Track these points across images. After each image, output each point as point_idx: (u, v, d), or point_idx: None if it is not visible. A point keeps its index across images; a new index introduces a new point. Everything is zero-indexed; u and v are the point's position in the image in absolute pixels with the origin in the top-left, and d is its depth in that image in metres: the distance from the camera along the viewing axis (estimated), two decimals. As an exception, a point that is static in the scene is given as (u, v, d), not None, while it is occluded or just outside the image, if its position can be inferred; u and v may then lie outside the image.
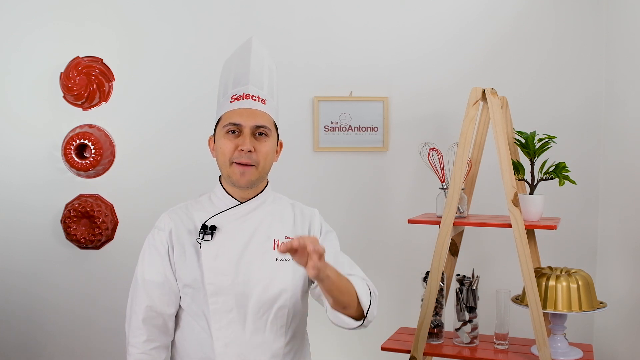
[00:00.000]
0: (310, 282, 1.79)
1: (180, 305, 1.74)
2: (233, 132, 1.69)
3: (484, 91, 2.30)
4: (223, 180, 1.78)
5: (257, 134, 1.69)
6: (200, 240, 1.70)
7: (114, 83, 2.96)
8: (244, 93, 1.71)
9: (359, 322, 1.61)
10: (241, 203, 1.75)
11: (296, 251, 1.42)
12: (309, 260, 1.40)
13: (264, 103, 1.72)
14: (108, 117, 2.96)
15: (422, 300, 2.36)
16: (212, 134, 1.77)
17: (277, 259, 1.71)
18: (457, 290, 2.38)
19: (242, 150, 1.67)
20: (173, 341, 1.77)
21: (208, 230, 1.70)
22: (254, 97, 1.71)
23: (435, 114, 2.89)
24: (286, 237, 1.74)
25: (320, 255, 1.41)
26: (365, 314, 1.61)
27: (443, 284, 2.38)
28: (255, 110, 1.70)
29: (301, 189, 2.87)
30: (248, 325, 1.66)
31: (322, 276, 1.45)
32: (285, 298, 1.70)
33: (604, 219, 2.81)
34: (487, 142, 2.52)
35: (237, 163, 1.68)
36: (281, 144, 1.81)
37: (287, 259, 1.71)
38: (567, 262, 2.72)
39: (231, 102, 1.71)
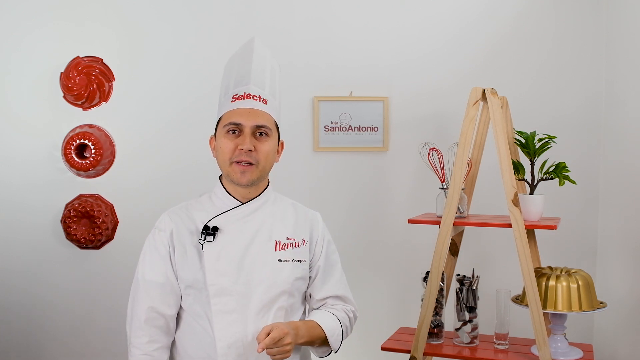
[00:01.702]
0: (307, 285, 1.81)
1: (181, 305, 1.74)
2: (233, 131, 1.69)
3: (484, 91, 2.30)
4: (224, 180, 1.78)
5: (257, 134, 1.70)
6: (202, 242, 1.70)
7: (114, 83, 2.96)
8: (245, 93, 1.71)
9: (324, 356, 1.83)
10: (242, 203, 1.75)
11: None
12: (278, 351, 1.60)
13: (265, 103, 1.72)
14: (108, 117, 2.96)
15: (422, 300, 2.36)
16: (213, 133, 1.77)
17: (278, 260, 1.72)
18: (457, 290, 2.38)
19: (242, 149, 1.67)
20: (173, 341, 1.77)
21: (210, 231, 1.70)
22: (255, 97, 1.71)
23: (435, 114, 2.89)
24: (287, 238, 1.75)
25: (288, 343, 1.61)
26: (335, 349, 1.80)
27: (443, 284, 2.38)
28: (256, 110, 1.70)
29: (301, 189, 2.87)
30: (250, 326, 1.66)
31: (298, 346, 1.68)
32: (284, 299, 1.70)
33: (604, 219, 2.81)
34: (487, 142, 2.52)
35: (237, 162, 1.68)
36: (282, 144, 1.81)
37: (289, 260, 1.72)
38: (567, 262, 2.72)
39: (232, 101, 1.71)
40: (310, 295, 1.83)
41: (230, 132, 1.69)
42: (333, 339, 1.75)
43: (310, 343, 1.73)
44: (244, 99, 1.71)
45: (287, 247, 1.74)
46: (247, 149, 1.66)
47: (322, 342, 1.75)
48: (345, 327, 1.80)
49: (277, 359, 1.60)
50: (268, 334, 1.57)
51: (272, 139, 1.73)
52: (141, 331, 1.70)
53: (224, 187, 1.77)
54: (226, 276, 1.67)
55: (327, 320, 1.75)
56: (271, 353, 1.59)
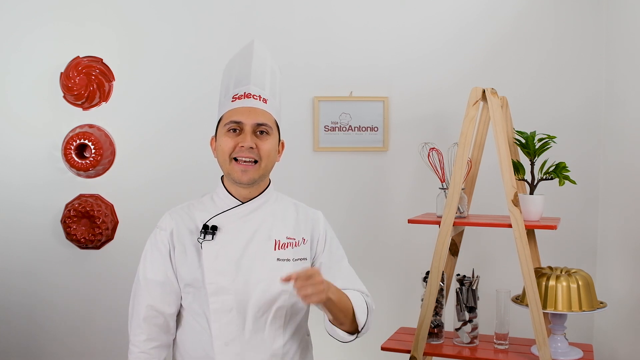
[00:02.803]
0: None
1: (181, 304, 1.75)
2: (234, 130, 1.70)
3: (484, 91, 2.30)
4: (225, 180, 1.78)
5: (258, 132, 1.70)
6: (201, 240, 1.70)
7: (114, 83, 2.96)
8: (245, 92, 1.72)
9: (353, 337, 1.74)
10: (242, 203, 1.75)
11: (296, 279, 1.51)
12: (313, 289, 1.52)
13: (265, 102, 1.73)
14: (108, 117, 2.97)
15: (422, 300, 2.36)
16: (214, 134, 1.78)
17: (277, 259, 1.72)
18: (457, 290, 2.38)
19: (242, 147, 1.67)
20: (174, 340, 1.78)
21: (209, 230, 1.70)
22: (255, 96, 1.72)
23: (435, 114, 2.89)
24: (287, 238, 1.75)
25: (321, 282, 1.53)
26: (360, 329, 1.72)
27: (443, 284, 2.38)
28: (257, 109, 1.71)
29: (301, 189, 2.87)
30: (248, 325, 1.67)
31: (325, 299, 1.56)
32: (285, 298, 1.70)
33: (604, 219, 2.81)
34: (487, 142, 2.52)
35: (236, 160, 1.68)
36: (283, 143, 1.82)
37: (288, 260, 1.72)
38: (567, 262, 2.72)
39: (232, 101, 1.72)
40: None
41: (231, 130, 1.70)
42: (359, 310, 1.70)
43: (339, 307, 1.64)
44: (244, 98, 1.71)
45: (287, 247, 1.74)
46: (248, 146, 1.67)
47: (347, 313, 1.68)
48: (369, 306, 1.76)
49: (311, 300, 1.53)
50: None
51: (273, 138, 1.73)
52: (139, 329, 1.72)
53: (225, 187, 1.78)
54: (224, 275, 1.67)
55: (350, 292, 1.74)
56: (305, 292, 1.51)
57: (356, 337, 1.74)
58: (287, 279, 1.50)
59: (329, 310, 1.63)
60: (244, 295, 1.67)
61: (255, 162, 1.69)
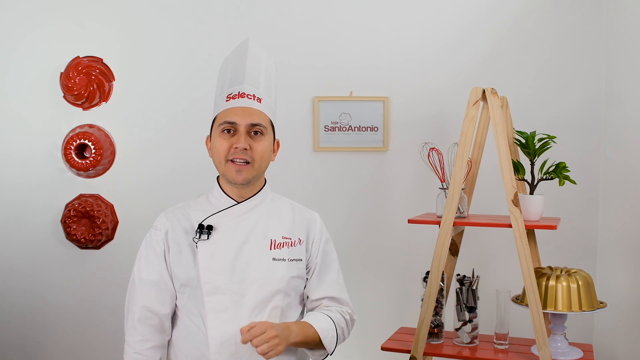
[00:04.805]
0: (305, 285, 1.81)
1: (176, 304, 1.75)
2: (228, 130, 1.70)
3: (484, 91, 2.30)
4: (220, 180, 1.79)
5: (252, 133, 1.70)
6: (196, 240, 1.70)
7: (114, 83, 2.96)
8: (239, 92, 1.72)
9: (323, 357, 1.77)
10: (238, 203, 1.75)
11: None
12: (268, 347, 1.55)
13: (260, 102, 1.73)
14: (108, 117, 2.97)
15: (422, 300, 2.36)
16: (209, 134, 1.78)
17: (273, 258, 1.72)
18: (457, 290, 2.38)
19: (237, 148, 1.67)
20: (170, 340, 1.77)
21: (204, 230, 1.70)
22: (249, 96, 1.72)
23: (435, 114, 2.89)
24: (283, 237, 1.75)
25: (274, 342, 1.56)
26: (330, 353, 1.75)
27: (443, 284, 2.38)
28: (251, 109, 1.70)
29: (301, 189, 2.87)
30: (243, 325, 1.66)
31: (284, 349, 1.60)
32: (279, 298, 1.70)
33: (604, 219, 2.81)
34: (487, 142, 2.52)
35: (232, 161, 1.68)
36: (278, 143, 1.82)
37: (284, 259, 1.72)
38: (567, 262, 2.72)
39: (226, 101, 1.72)
40: (307, 297, 1.82)
41: (225, 131, 1.70)
42: (327, 340, 1.71)
43: (305, 344, 1.70)
44: (238, 97, 1.71)
45: (283, 246, 1.74)
46: (242, 147, 1.67)
47: (316, 344, 1.72)
48: (340, 329, 1.77)
49: (269, 356, 1.56)
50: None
51: (267, 138, 1.73)
52: (135, 330, 1.72)
53: (220, 187, 1.78)
54: (220, 274, 1.67)
55: (320, 321, 1.73)
56: (262, 351, 1.55)
57: (325, 357, 1.77)
58: (243, 339, 1.54)
59: (297, 347, 1.71)
60: (240, 295, 1.67)
61: (249, 162, 1.69)
